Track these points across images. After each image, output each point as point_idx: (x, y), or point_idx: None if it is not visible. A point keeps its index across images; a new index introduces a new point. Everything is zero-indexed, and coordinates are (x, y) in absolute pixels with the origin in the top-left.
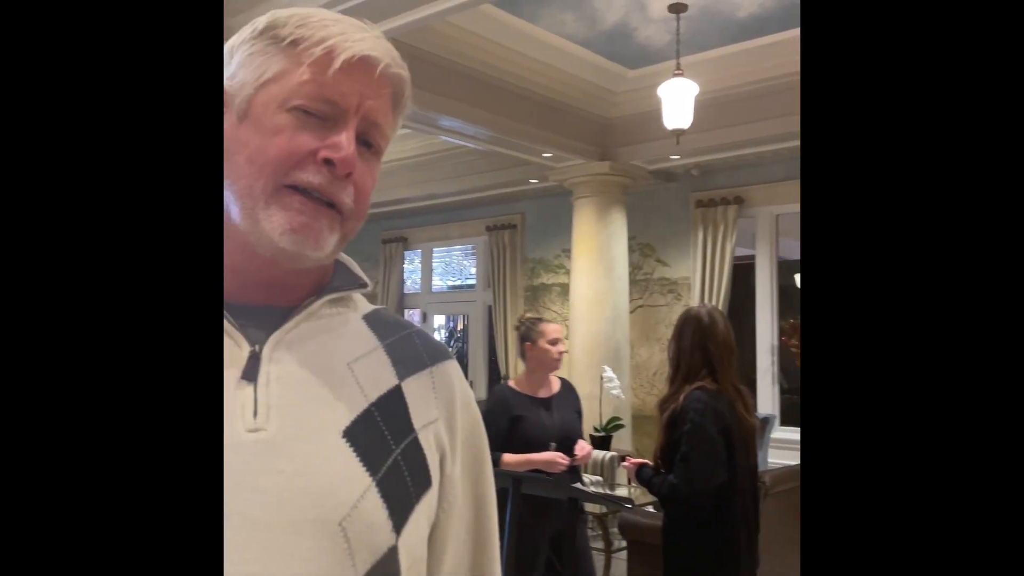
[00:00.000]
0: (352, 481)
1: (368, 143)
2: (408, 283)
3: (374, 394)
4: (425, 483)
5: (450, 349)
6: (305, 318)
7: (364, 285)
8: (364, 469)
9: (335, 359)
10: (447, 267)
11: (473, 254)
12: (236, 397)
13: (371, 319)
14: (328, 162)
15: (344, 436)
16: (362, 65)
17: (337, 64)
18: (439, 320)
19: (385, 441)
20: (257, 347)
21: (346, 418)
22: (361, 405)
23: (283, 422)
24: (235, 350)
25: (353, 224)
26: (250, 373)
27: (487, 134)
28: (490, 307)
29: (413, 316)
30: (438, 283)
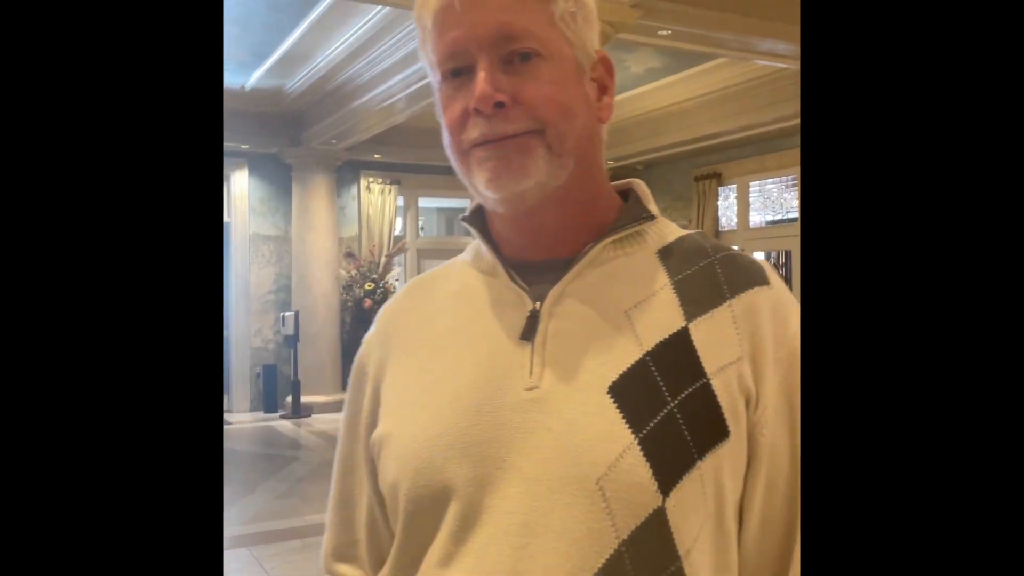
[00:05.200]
0: (612, 439)
1: (524, 55)
2: (723, 220)
3: (651, 342)
4: (717, 434)
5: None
6: (586, 265)
7: (650, 217)
8: (627, 426)
9: (612, 308)
10: (765, 201)
11: (794, 186)
12: (515, 357)
13: (667, 252)
14: (477, 111)
15: (609, 392)
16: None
17: (430, 21)
18: (758, 257)
19: (658, 394)
20: (538, 304)
21: (614, 373)
22: (634, 356)
23: (554, 380)
24: (519, 310)
25: (553, 131)
26: (528, 332)
27: None
28: None
29: None
30: (755, 219)
